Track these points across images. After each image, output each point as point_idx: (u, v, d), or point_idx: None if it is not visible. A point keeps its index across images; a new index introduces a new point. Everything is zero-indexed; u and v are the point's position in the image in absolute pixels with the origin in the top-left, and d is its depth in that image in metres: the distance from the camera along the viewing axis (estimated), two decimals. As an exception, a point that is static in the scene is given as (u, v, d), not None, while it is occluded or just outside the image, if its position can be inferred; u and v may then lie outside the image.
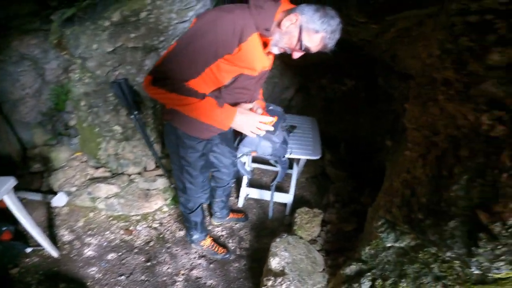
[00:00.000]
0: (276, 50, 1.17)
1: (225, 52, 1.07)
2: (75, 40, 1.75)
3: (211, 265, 1.99)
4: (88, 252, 1.99)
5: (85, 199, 2.24)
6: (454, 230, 0.94)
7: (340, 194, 2.24)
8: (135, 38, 1.76)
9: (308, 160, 2.27)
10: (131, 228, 2.18)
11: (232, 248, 2.13)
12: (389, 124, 1.81)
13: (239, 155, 1.69)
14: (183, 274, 1.92)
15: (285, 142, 1.68)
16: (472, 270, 1.01)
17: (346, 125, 2.77)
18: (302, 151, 2.02)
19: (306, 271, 1.68)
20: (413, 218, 1.12)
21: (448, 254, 1.02)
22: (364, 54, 1.95)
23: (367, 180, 2.33)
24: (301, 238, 1.90)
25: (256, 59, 1.16)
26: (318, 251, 1.87)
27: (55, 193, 2.25)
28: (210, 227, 2.25)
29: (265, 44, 1.14)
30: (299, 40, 1.07)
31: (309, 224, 1.96)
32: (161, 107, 2.11)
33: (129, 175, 2.36)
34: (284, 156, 1.69)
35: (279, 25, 1.08)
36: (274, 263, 1.69)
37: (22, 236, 1.94)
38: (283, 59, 2.67)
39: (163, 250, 2.06)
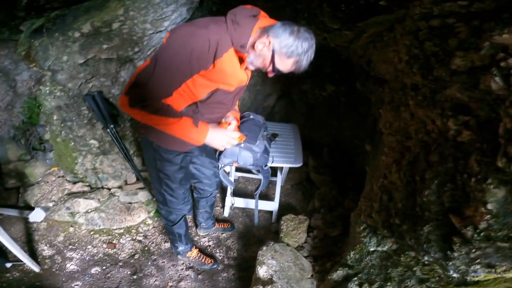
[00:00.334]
0: (252, 67, 1.18)
1: (200, 68, 1.06)
2: (44, 52, 1.68)
3: (199, 276, 1.97)
4: (71, 266, 1.95)
5: (63, 214, 2.17)
6: (429, 235, 0.95)
7: (325, 199, 2.25)
8: (108, 49, 1.70)
9: (292, 167, 2.27)
10: (114, 241, 2.13)
11: (220, 258, 2.11)
12: (369, 129, 1.83)
13: (220, 166, 1.67)
14: (171, 286, 1.89)
15: (266, 151, 1.68)
16: (451, 273, 1.02)
17: (329, 130, 2.80)
18: (284, 159, 2.02)
19: (295, 278, 1.68)
20: (391, 223, 1.12)
21: (426, 258, 1.02)
22: (342, 59, 1.97)
23: (351, 184, 2.35)
24: (288, 245, 1.89)
25: (232, 75, 1.15)
26: (306, 257, 1.86)
27: (32, 209, 2.19)
28: (196, 238, 2.22)
29: (242, 60, 1.13)
30: (272, 63, 1.07)
31: (295, 231, 1.96)
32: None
33: (109, 189, 2.29)
34: (266, 165, 1.68)
35: (253, 46, 1.08)
36: (262, 271, 1.68)
37: (1, 251, 1.89)
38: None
39: (149, 263, 2.02)
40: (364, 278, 1.44)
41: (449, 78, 0.85)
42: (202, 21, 1.06)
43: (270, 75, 1.15)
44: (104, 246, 2.09)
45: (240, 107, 1.91)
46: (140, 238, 2.18)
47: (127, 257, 2.04)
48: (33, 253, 1.97)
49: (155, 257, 2.06)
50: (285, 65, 1.08)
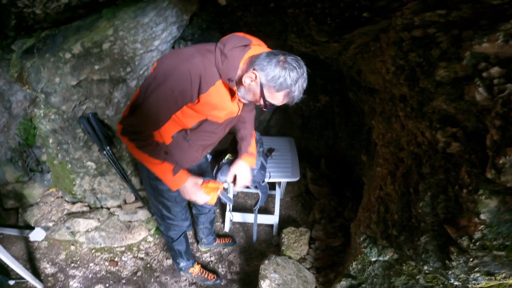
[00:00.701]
0: (245, 101, 1.14)
1: (185, 102, 1.04)
2: (36, 73, 1.67)
3: (203, 292, 1.95)
4: (74, 284, 1.96)
5: (64, 234, 2.16)
6: (426, 245, 0.94)
7: (325, 210, 2.24)
8: (100, 70, 1.70)
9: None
10: (116, 259, 2.13)
11: (223, 273, 2.09)
12: (364, 139, 1.83)
13: None
14: (175, 303, 1.86)
15: (263, 167, 1.68)
16: (452, 281, 1.01)
17: (325, 141, 2.80)
18: (281, 174, 2.03)
19: (298, 291, 1.66)
20: (390, 234, 1.11)
21: (426, 268, 1.01)
22: (334, 69, 1.99)
23: (350, 194, 2.35)
24: (290, 258, 1.88)
25: (220, 108, 1.11)
26: (308, 269, 1.85)
27: (32, 228, 2.18)
28: (198, 254, 2.21)
29: (233, 92, 1.09)
30: (262, 97, 1.02)
31: (297, 243, 1.95)
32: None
33: (109, 209, 2.28)
34: (263, 181, 1.69)
35: (241, 80, 1.03)
36: (265, 286, 1.67)
37: (4, 269, 1.89)
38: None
39: (152, 280, 2.02)
40: (369, 288, 1.43)
41: (435, 89, 0.86)
42: (188, 51, 1.03)
43: (265, 109, 1.08)
44: (106, 263, 2.09)
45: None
46: (142, 256, 2.17)
47: (129, 274, 2.04)
48: (35, 271, 1.98)
49: (157, 274, 2.06)
50: (276, 98, 1.02)
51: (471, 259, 0.85)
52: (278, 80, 0.96)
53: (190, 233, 2.29)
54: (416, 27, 0.97)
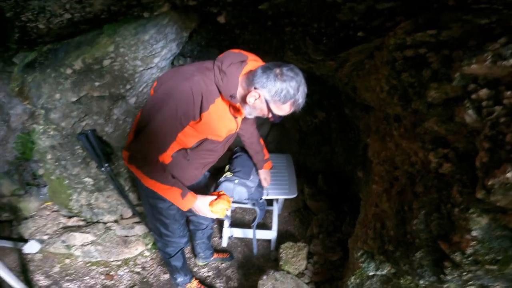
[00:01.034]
0: (251, 117, 1.19)
1: (188, 120, 1.06)
2: (37, 88, 1.66)
3: (200, 308, 1.92)
4: None
5: (59, 247, 2.14)
6: (421, 260, 0.96)
7: (323, 225, 2.24)
8: (100, 87, 1.71)
9: (288, 197, 2.28)
10: (112, 273, 2.10)
11: (220, 288, 2.06)
12: (360, 155, 1.86)
13: None
14: (172, 318, 1.84)
15: (260, 185, 1.70)
16: (448, 296, 1.02)
17: (323, 157, 2.81)
18: (278, 191, 2.04)
19: (297, 307, 1.65)
20: (386, 249, 1.13)
21: (421, 282, 1.02)
22: (330, 85, 2.03)
23: (347, 209, 2.36)
24: (288, 272, 1.87)
25: (220, 126, 1.14)
26: (307, 283, 1.84)
27: (26, 241, 2.16)
28: (195, 268, 2.18)
29: (234, 107, 1.11)
30: (270, 111, 1.06)
31: (295, 258, 1.94)
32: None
33: (105, 223, 2.26)
34: (261, 199, 1.70)
35: (244, 100, 1.06)
36: (263, 301, 1.65)
37: None
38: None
39: (149, 294, 1.98)
40: (367, 303, 1.42)
41: (426, 110, 0.89)
42: (188, 70, 1.05)
43: (273, 120, 1.12)
44: (102, 277, 2.06)
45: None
46: (139, 270, 2.14)
47: (126, 288, 1.99)
48: (28, 283, 1.95)
49: (154, 288, 2.01)
50: (283, 110, 1.07)
51: (464, 273, 0.87)
52: (282, 93, 1.01)
53: (187, 248, 2.27)
54: (408, 47, 0.99)
